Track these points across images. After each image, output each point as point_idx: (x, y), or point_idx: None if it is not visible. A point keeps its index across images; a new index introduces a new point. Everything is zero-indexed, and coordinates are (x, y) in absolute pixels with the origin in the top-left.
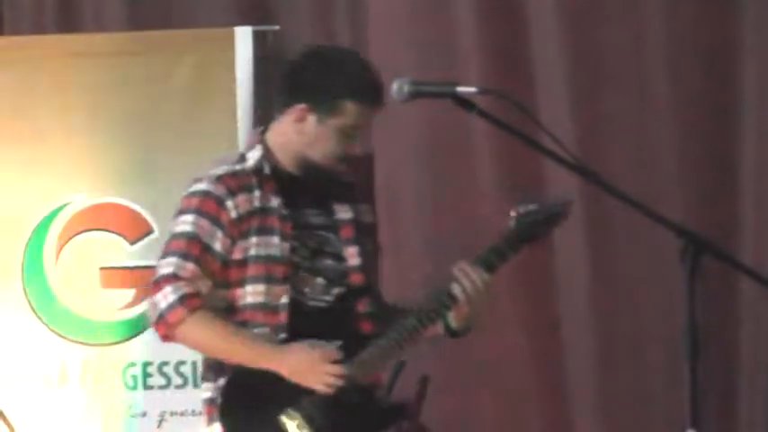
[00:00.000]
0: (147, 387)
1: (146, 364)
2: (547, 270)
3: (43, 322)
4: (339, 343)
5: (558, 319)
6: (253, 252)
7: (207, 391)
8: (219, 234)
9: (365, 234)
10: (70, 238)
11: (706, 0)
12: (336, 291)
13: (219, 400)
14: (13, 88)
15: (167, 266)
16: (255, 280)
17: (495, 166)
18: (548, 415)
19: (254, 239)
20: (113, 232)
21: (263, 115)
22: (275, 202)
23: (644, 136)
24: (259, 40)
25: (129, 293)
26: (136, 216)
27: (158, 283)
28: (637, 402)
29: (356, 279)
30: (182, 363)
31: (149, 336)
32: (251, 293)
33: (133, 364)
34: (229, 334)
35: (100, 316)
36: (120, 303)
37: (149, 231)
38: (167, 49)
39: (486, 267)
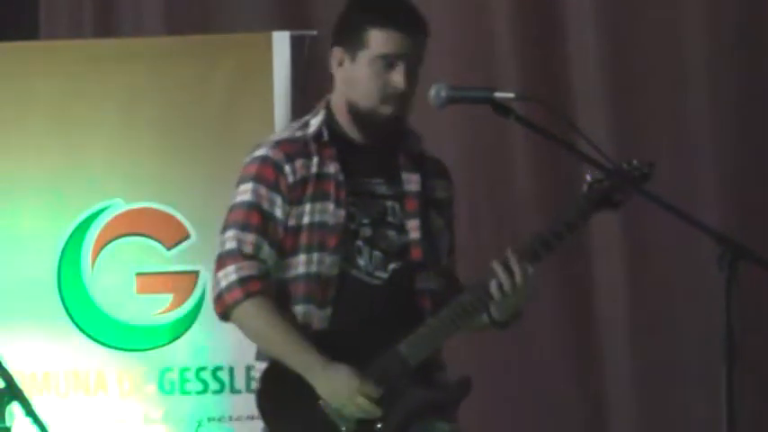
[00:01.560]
0: (184, 392)
1: (183, 370)
2: (585, 275)
3: (80, 328)
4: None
5: (596, 325)
6: (306, 219)
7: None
8: (279, 200)
9: (435, 208)
10: (107, 243)
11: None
12: (393, 266)
13: (258, 386)
14: (50, 93)
15: (230, 241)
16: (308, 249)
17: (532, 176)
18: (587, 426)
19: (308, 206)
20: (150, 237)
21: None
22: (332, 168)
23: (681, 143)
24: (297, 45)
25: (167, 298)
26: (173, 221)
27: (222, 260)
28: (674, 411)
29: (416, 253)
30: (219, 368)
31: (186, 341)
32: (303, 263)
33: (170, 370)
34: (281, 331)
35: (137, 320)
36: (157, 308)
37: (186, 236)
38: (205, 54)
39: (531, 257)
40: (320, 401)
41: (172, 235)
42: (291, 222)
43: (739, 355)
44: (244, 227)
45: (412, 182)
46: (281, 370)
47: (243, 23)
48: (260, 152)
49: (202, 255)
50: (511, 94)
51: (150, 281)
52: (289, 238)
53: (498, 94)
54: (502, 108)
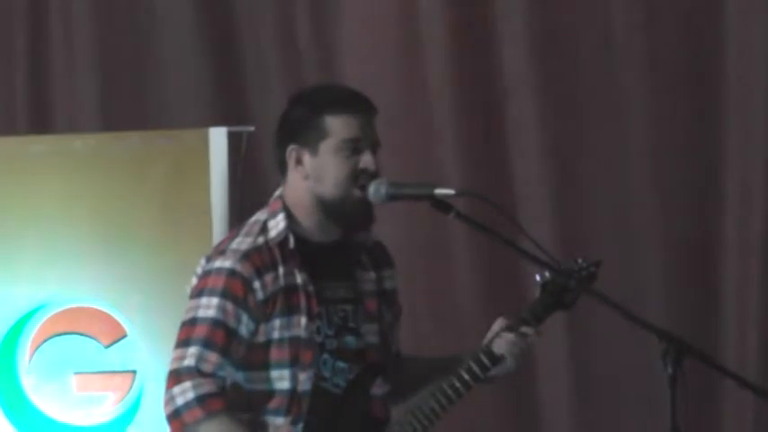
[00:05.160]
0: None
1: None
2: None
3: (16, 428)
4: None
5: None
6: (276, 335)
7: None
8: (245, 318)
9: (387, 303)
10: (43, 342)
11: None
12: (350, 375)
13: None
14: None
15: (190, 358)
16: (280, 365)
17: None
18: None
19: (277, 321)
20: (87, 335)
21: (240, 219)
22: (300, 278)
23: (627, 228)
24: (234, 141)
25: (105, 397)
26: (110, 320)
27: (178, 375)
28: None
29: (372, 357)
30: None
31: None
32: (275, 378)
33: None
34: None
35: (76, 420)
36: (96, 407)
37: (123, 335)
38: (141, 150)
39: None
40: None
41: (108, 333)
42: (260, 339)
43: None
44: (206, 344)
45: (368, 281)
46: None
47: (179, 119)
48: (227, 264)
49: (139, 353)
50: (451, 191)
51: (89, 380)
52: (256, 354)
53: (439, 191)
54: (442, 204)
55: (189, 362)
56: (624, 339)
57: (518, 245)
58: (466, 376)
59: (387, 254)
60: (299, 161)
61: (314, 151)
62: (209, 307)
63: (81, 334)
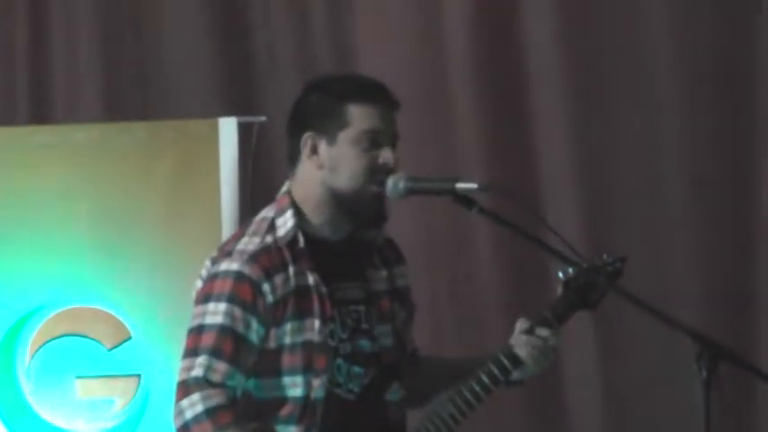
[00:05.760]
0: None
1: None
2: (556, 374)
3: None
4: None
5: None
6: (288, 340)
7: None
8: (255, 323)
9: (400, 302)
10: (43, 344)
11: None
12: (365, 380)
13: None
14: None
15: (198, 368)
16: (292, 371)
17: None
18: None
19: (289, 325)
20: (90, 338)
21: (252, 215)
22: (311, 279)
23: (657, 233)
24: (245, 131)
25: (110, 403)
26: (113, 321)
27: (186, 387)
28: None
29: (387, 360)
30: None
31: None
32: (288, 385)
33: None
34: None
35: (78, 427)
36: (100, 413)
37: (127, 338)
38: (147, 142)
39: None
40: None
41: (112, 335)
42: (271, 345)
43: None
44: (215, 353)
45: (380, 280)
46: None
47: (187, 109)
48: (233, 266)
49: (144, 356)
50: (474, 185)
51: (92, 384)
52: (267, 360)
53: (460, 185)
54: (464, 200)
55: (197, 372)
56: (655, 342)
57: (542, 240)
58: (486, 379)
59: (397, 251)
60: (314, 150)
61: (332, 140)
62: (216, 313)
63: (83, 336)
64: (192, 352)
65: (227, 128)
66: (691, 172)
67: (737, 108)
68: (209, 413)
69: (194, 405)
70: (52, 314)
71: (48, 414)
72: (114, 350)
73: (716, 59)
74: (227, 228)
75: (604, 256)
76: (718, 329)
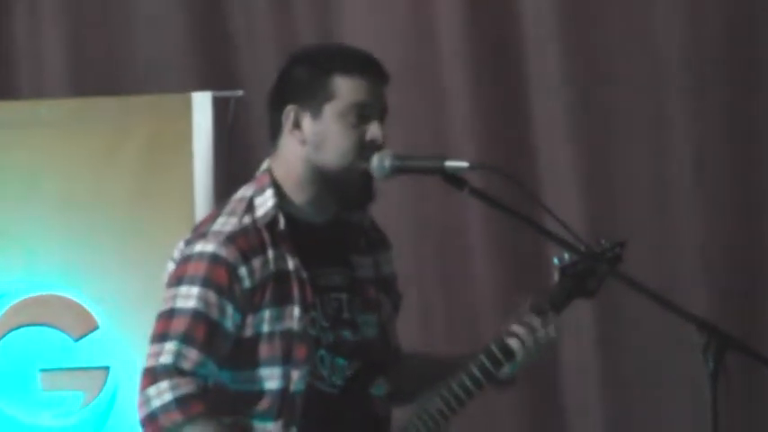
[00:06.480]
0: None
1: None
2: (553, 366)
3: None
4: None
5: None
6: (266, 328)
7: None
8: (230, 309)
9: (385, 290)
10: (5, 334)
11: None
12: (348, 372)
13: None
14: None
15: (167, 354)
16: (271, 361)
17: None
18: None
19: (267, 312)
20: (55, 327)
21: (227, 195)
22: (292, 263)
23: (663, 206)
24: (220, 107)
25: (76, 396)
26: (79, 310)
27: (153, 374)
28: None
29: (373, 353)
30: None
31: None
32: (265, 377)
33: None
34: None
35: (42, 422)
36: (65, 408)
37: (95, 327)
38: (115, 118)
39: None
40: None
41: (79, 325)
42: (247, 333)
43: None
44: (185, 339)
45: (364, 266)
46: None
47: (157, 84)
48: (208, 248)
49: (113, 347)
50: (464, 163)
51: (57, 376)
52: (244, 350)
53: (450, 163)
54: (454, 179)
55: (166, 359)
56: (659, 331)
57: (539, 224)
58: (477, 373)
59: (382, 235)
60: (297, 124)
61: (316, 114)
62: (188, 297)
63: (47, 326)
64: (160, 337)
65: (201, 103)
66: (695, 158)
67: (745, 94)
68: (179, 402)
69: (162, 394)
70: (13, 303)
71: (10, 408)
72: (81, 341)
73: (723, 44)
74: (201, 209)
75: (603, 242)
76: (724, 318)
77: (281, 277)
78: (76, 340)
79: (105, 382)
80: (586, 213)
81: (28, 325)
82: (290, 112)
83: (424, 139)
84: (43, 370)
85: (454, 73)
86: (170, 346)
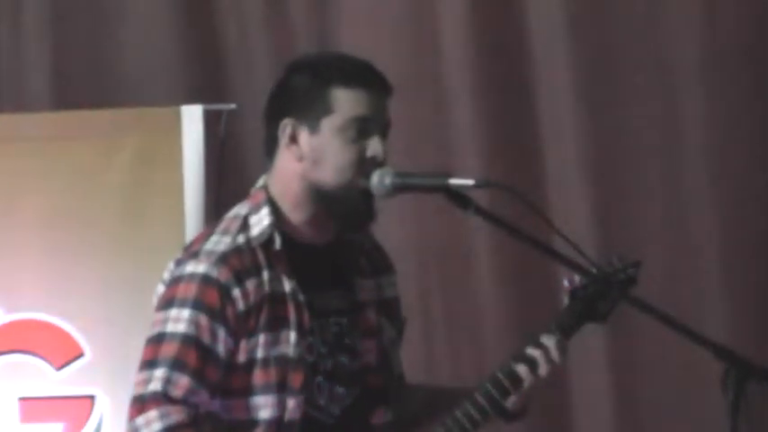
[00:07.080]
0: None
1: None
2: (563, 395)
3: None
4: None
5: None
6: (261, 353)
7: None
8: (222, 333)
9: (388, 314)
10: None
11: None
12: (347, 401)
13: None
14: None
15: (156, 381)
16: (265, 389)
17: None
18: None
19: (261, 337)
20: (36, 355)
21: (218, 214)
22: (288, 285)
23: (680, 224)
24: (211, 121)
25: (57, 429)
26: (63, 336)
27: (142, 403)
28: None
29: (373, 381)
30: None
31: None
32: (261, 406)
33: None
34: None
35: None
36: None
37: (79, 354)
38: (102, 133)
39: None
40: None
41: (62, 353)
42: (240, 358)
43: None
44: (176, 365)
45: (366, 290)
46: None
47: (146, 96)
48: (200, 268)
49: (99, 376)
50: (470, 181)
51: (37, 407)
52: (236, 376)
53: (454, 181)
54: (459, 198)
55: (155, 386)
56: (675, 359)
57: (548, 245)
58: (482, 401)
59: (385, 257)
60: (293, 139)
61: (314, 128)
62: (178, 320)
63: (27, 353)
64: (149, 364)
65: (192, 116)
66: (706, 160)
67: (761, 95)
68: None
69: (150, 423)
70: None
71: None
72: (63, 369)
73: (735, 44)
74: (192, 228)
75: (615, 261)
76: (742, 338)
77: (276, 300)
78: (59, 369)
79: (91, 412)
80: (594, 218)
81: (6, 352)
82: (286, 125)
83: (427, 147)
84: (22, 398)
85: (458, 79)
86: (159, 372)
